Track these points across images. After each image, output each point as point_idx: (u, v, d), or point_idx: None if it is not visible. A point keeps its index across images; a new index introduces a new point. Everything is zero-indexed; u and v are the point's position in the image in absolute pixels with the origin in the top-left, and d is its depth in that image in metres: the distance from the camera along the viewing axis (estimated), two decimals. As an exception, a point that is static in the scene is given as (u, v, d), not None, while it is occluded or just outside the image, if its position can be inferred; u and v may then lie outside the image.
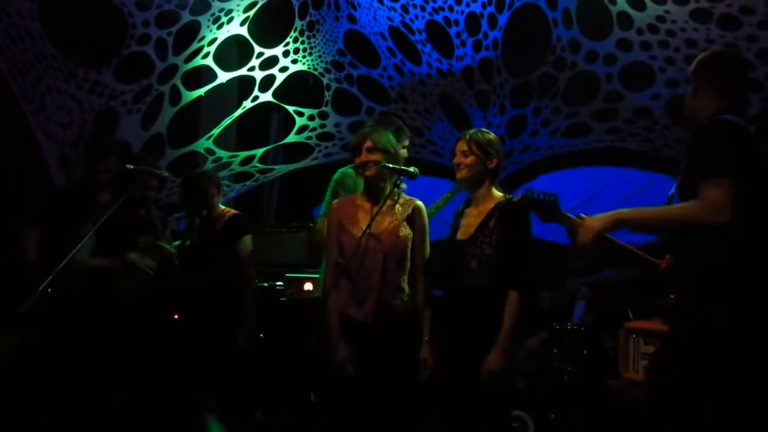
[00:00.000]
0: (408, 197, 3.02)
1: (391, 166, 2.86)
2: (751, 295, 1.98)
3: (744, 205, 1.96)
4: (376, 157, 2.87)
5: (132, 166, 3.17)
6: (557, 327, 4.49)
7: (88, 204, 3.46)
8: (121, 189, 3.35)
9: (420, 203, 3.02)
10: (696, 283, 2.06)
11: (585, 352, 4.42)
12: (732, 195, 1.95)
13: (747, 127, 2.06)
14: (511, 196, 2.85)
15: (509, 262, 2.69)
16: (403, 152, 3.36)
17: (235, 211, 3.53)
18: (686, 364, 2.04)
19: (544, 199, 2.45)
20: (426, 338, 2.88)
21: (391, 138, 2.99)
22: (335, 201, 3.05)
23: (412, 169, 2.89)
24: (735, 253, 2.00)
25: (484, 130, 2.93)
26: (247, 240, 3.43)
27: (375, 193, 2.93)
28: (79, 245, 2.75)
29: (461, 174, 2.84)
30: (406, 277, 2.92)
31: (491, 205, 2.80)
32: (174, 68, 4.64)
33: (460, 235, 2.84)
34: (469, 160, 2.81)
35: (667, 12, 3.98)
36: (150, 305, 3.37)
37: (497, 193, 2.84)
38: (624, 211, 2.14)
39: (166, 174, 3.34)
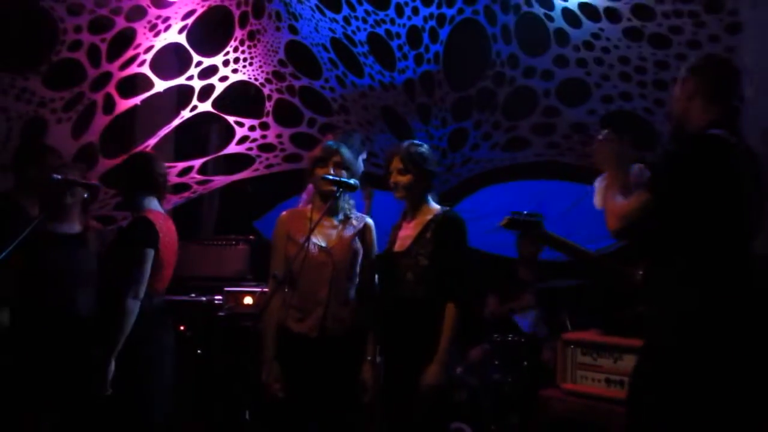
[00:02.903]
0: (360, 214, 3.02)
1: (330, 177, 2.83)
2: (721, 311, 2.02)
3: (712, 220, 2.04)
4: (340, 172, 2.85)
5: (59, 176, 3.04)
6: (498, 338, 4.54)
7: (16, 215, 3.29)
8: (49, 199, 3.23)
9: (370, 221, 3.02)
10: (667, 297, 2.11)
11: (525, 363, 4.48)
12: (642, 213, 2.07)
13: (729, 142, 2.09)
14: (448, 208, 2.87)
15: (446, 274, 2.71)
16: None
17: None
18: (658, 382, 2.07)
19: (529, 220, 2.65)
20: (369, 358, 2.85)
21: (352, 155, 3.00)
22: (284, 213, 2.99)
23: (352, 181, 2.87)
24: (703, 267, 2.06)
25: (415, 142, 2.94)
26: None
27: (317, 206, 2.91)
28: (3, 254, 2.59)
29: (399, 194, 2.86)
30: (353, 292, 2.89)
31: (428, 217, 2.81)
32: (108, 76, 4.49)
33: (397, 247, 2.84)
34: (407, 179, 2.82)
35: (601, 29, 4.09)
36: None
37: (434, 206, 2.85)
38: None
39: (96, 184, 3.20)
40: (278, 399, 2.75)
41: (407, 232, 2.85)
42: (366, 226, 2.98)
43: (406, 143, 2.92)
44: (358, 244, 2.92)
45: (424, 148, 2.91)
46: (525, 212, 2.65)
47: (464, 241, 2.80)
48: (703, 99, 2.23)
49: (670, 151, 2.19)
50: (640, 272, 2.40)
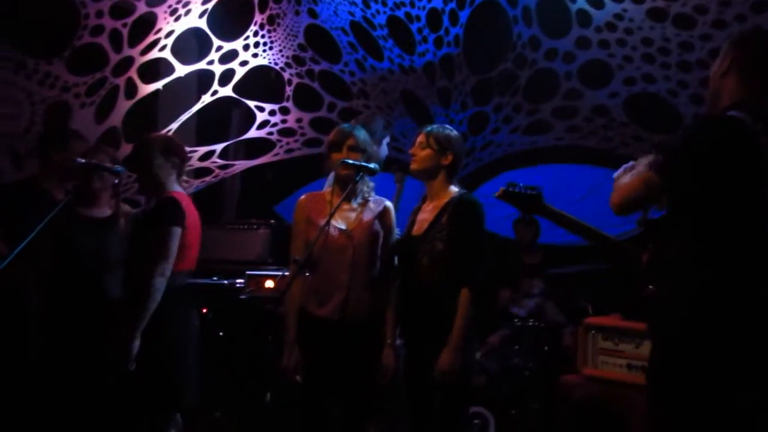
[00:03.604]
0: (379, 197, 3.01)
1: (351, 162, 2.83)
2: (726, 295, 1.94)
3: (723, 206, 1.96)
4: (356, 156, 2.84)
5: (83, 161, 3.07)
6: (518, 324, 4.53)
7: (42, 200, 3.34)
8: (76, 184, 3.27)
9: (390, 204, 3.01)
10: (673, 278, 2.04)
11: (546, 348, 4.47)
12: (644, 190, 2.03)
13: (746, 124, 1.97)
14: (465, 191, 2.84)
15: (460, 258, 2.68)
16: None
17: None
18: (672, 365, 2.00)
19: (526, 193, 2.49)
20: (389, 341, 2.86)
21: (368, 137, 2.96)
22: (303, 196, 2.97)
23: (372, 165, 2.86)
24: (712, 250, 1.98)
25: (447, 126, 2.94)
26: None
27: (342, 189, 2.90)
28: (29, 238, 2.63)
29: (413, 165, 2.86)
30: (373, 276, 2.89)
31: (445, 200, 2.79)
32: (130, 61, 4.52)
33: (415, 230, 2.84)
34: (424, 153, 2.82)
35: (624, 10, 4.03)
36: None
37: (452, 189, 2.83)
38: None
39: (120, 168, 3.22)
40: (297, 382, 2.77)
41: (425, 216, 2.85)
42: (385, 208, 2.97)
43: (437, 125, 2.93)
44: (378, 227, 2.91)
45: (452, 132, 2.89)
46: (522, 184, 2.57)
47: (480, 225, 2.75)
48: (737, 77, 2.09)
49: (681, 132, 2.13)
50: (644, 253, 2.33)
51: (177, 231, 2.91)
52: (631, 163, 2.26)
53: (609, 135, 4.72)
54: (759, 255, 1.97)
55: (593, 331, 3.30)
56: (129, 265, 3.08)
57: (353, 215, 2.89)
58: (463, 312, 2.64)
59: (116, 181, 3.25)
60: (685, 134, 2.11)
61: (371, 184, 2.99)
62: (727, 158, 1.97)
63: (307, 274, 2.85)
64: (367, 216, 2.90)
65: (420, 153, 2.83)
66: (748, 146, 1.97)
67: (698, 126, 2.13)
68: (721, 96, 2.13)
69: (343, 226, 2.84)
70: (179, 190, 3.07)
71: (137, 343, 2.83)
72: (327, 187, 3.11)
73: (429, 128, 2.87)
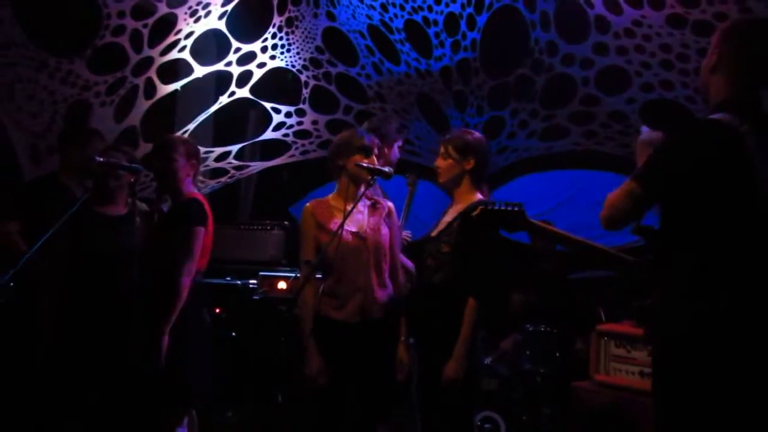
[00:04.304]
0: (381, 198, 3.03)
1: (365, 165, 2.85)
2: (727, 299, 1.90)
3: (709, 214, 1.91)
4: (370, 159, 2.88)
5: (101, 159, 3.11)
6: (530, 329, 4.52)
7: (62, 196, 3.38)
8: (94, 182, 3.32)
9: (391, 204, 3.04)
10: (669, 287, 2.01)
11: (557, 354, 4.45)
12: (627, 202, 1.95)
13: (732, 127, 1.88)
14: (483, 198, 2.82)
15: (467, 266, 2.67)
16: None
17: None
18: (662, 373, 2.00)
19: (507, 210, 2.32)
20: (402, 338, 2.87)
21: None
22: (310, 203, 2.98)
23: (386, 169, 2.88)
24: (709, 258, 1.93)
25: (466, 130, 2.95)
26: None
27: (350, 193, 2.91)
28: (48, 234, 2.67)
29: (439, 178, 2.87)
30: (387, 276, 2.92)
31: (464, 205, 2.79)
32: (149, 61, 4.57)
33: (434, 232, 2.84)
34: (446, 163, 2.82)
35: (643, 17, 4.01)
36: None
37: (476, 195, 2.81)
38: None
39: (137, 167, 3.26)
40: (322, 388, 2.77)
41: (446, 219, 2.85)
42: (389, 209, 3.00)
43: (458, 130, 2.93)
44: (386, 228, 2.94)
45: (471, 135, 2.88)
46: (501, 201, 2.44)
47: (490, 235, 2.66)
48: (725, 73, 1.98)
49: (663, 138, 2.04)
50: (636, 262, 2.25)
51: (201, 231, 2.98)
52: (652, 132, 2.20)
53: (626, 141, 4.70)
54: (751, 265, 1.90)
55: (606, 338, 3.28)
56: (149, 264, 3.12)
57: (361, 217, 2.91)
58: (467, 321, 2.63)
59: (133, 179, 3.30)
60: (665, 141, 2.02)
61: (376, 186, 3.03)
62: (711, 163, 1.89)
63: (319, 277, 2.87)
64: (376, 217, 2.92)
65: (442, 164, 2.84)
66: (732, 150, 1.87)
67: (678, 132, 2.00)
68: (709, 93, 2.03)
69: (354, 229, 2.85)
70: (195, 191, 3.12)
71: (166, 340, 2.87)
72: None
73: (447, 137, 2.87)
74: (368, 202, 2.96)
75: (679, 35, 3.97)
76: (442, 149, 2.85)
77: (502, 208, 2.31)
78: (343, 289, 2.83)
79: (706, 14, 3.80)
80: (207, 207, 3.08)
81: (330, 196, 3.00)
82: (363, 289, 2.82)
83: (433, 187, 3.05)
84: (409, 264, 3.13)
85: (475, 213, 2.42)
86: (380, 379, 2.82)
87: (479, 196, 2.82)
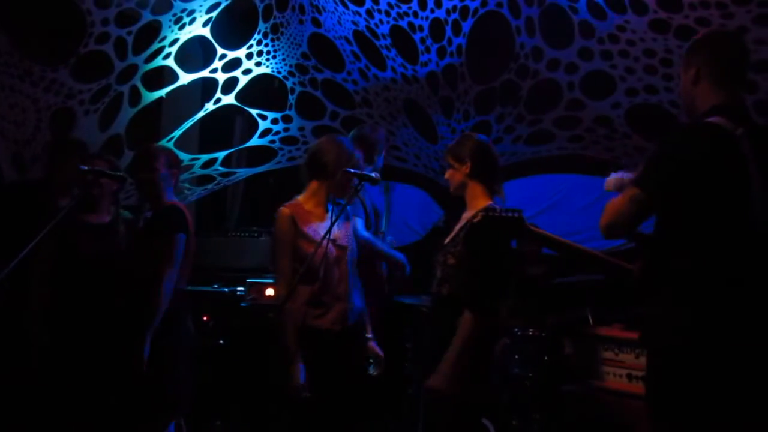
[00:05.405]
0: (344, 203, 3.03)
1: (353, 171, 2.85)
2: (715, 306, 1.92)
3: (710, 216, 1.93)
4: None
5: (86, 168, 3.09)
6: (518, 333, 4.52)
7: (47, 206, 3.36)
8: (76, 190, 3.29)
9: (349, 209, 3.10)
10: (662, 292, 2.01)
11: (546, 358, 4.45)
12: (630, 208, 1.96)
13: (728, 130, 1.93)
14: (489, 208, 2.66)
15: (466, 279, 2.60)
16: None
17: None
18: (659, 379, 2.00)
19: (508, 216, 2.35)
20: (369, 336, 2.91)
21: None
22: (287, 207, 2.94)
23: (374, 175, 2.89)
24: (699, 264, 1.95)
25: (466, 134, 2.96)
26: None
27: (327, 199, 2.92)
28: (30, 245, 2.64)
29: (450, 189, 2.83)
30: (360, 281, 2.95)
31: (473, 212, 2.71)
32: (134, 68, 4.55)
33: (447, 239, 2.80)
34: (449, 173, 2.80)
35: (627, 22, 4.04)
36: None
37: (484, 200, 2.72)
38: None
39: (122, 174, 3.25)
40: (307, 399, 2.75)
41: (458, 225, 2.77)
42: (352, 215, 3.08)
43: (458, 137, 2.92)
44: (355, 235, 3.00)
45: (468, 138, 2.83)
46: (501, 207, 2.42)
47: (491, 248, 2.55)
48: (708, 82, 2.04)
49: (661, 142, 2.04)
50: (631, 267, 2.26)
51: (182, 238, 2.97)
52: (620, 172, 2.22)
53: (611, 145, 4.73)
54: (747, 268, 1.92)
55: (594, 341, 3.30)
56: (131, 271, 3.11)
57: (344, 226, 2.92)
58: (460, 335, 2.51)
59: (116, 188, 3.30)
60: (665, 143, 2.04)
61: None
62: (711, 166, 1.92)
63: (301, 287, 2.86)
64: (350, 224, 2.95)
65: (447, 175, 2.81)
66: (731, 153, 1.92)
67: (678, 134, 2.05)
68: (696, 104, 2.08)
69: (331, 237, 2.84)
70: (175, 199, 3.15)
71: (147, 347, 2.86)
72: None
73: (447, 148, 2.86)
74: (334, 208, 2.97)
75: (662, 40, 4.00)
76: (445, 162, 2.84)
77: (503, 215, 2.33)
78: (326, 297, 2.82)
79: (688, 19, 3.83)
80: (187, 214, 3.09)
81: (301, 199, 2.96)
82: (344, 297, 2.83)
83: (421, 192, 3.06)
84: (401, 256, 3.35)
85: (476, 220, 2.43)
86: (358, 383, 2.84)
87: (489, 201, 2.71)
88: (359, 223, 3.37)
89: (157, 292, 2.92)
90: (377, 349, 2.94)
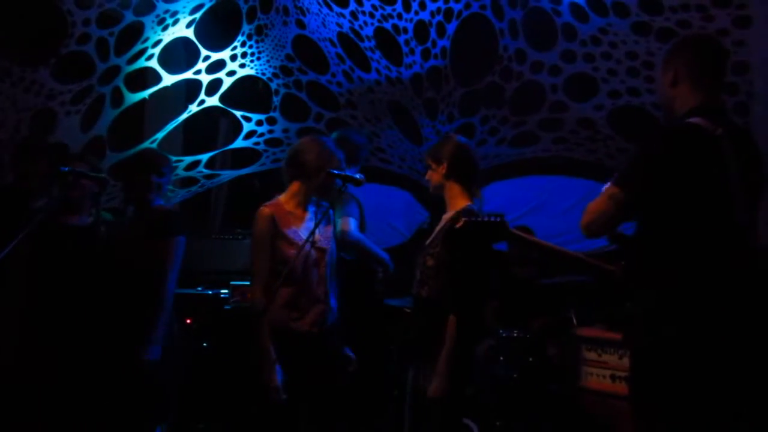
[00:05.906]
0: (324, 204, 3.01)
1: (337, 173, 2.84)
2: (697, 306, 1.93)
3: (690, 217, 1.94)
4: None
5: (66, 168, 3.06)
6: (503, 334, 4.53)
7: (23, 207, 3.32)
8: (56, 192, 3.26)
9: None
10: (645, 293, 2.03)
11: (530, 359, 4.46)
12: (610, 207, 1.98)
13: (708, 130, 1.96)
14: (466, 209, 2.69)
15: (448, 282, 2.60)
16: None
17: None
18: (642, 379, 2.02)
19: (490, 221, 2.35)
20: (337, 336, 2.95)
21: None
22: (267, 207, 2.88)
23: (358, 176, 2.88)
24: (681, 264, 1.96)
25: (445, 136, 2.97)
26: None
27: (308, 200, 2.91)
28: (6, 249, 2.61)
29: (430, 190, 2.84)
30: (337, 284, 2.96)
31: (452, 213, 2.71)
32: (116, 69, 4.52)
33: (428, 239, 2.79)
34: (429, 174, 2.82)
35: (609, 24, 4.07)
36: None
37: (463, 201, 2.72)
38: None
39: (104, 176, 3.23)
40: (283, 401, 2.72)
41: (438, 226, 2.78)
42: (345, 215, 3.09)
43: (437, 138, 2.93)
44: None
45: (446, 140, 2.85)
46: (483, 212, 2.44)
47: (471, 251, 2.59)
48: (687, 83, 2.07)
49: (642, 143, 2.06)
50: (614, 268, 2.26)
51: (184, 241, 3.11)
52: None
53: (594, 147, 4.76)
54: (728, 268, 1.94)
55: (578, 342, 3.32)
56: (130, 274, 3.10)
57: (324, 228, 2.92)
58: (449, 340, 2.54)
59: (97, 189, 3.27)
60: (646, 144, 2.06)
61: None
62: (691, 166, 1.94)
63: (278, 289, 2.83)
64: (329, 227, 2.94)
65: (427, 176, 2.82)
66: (711, 153, 1.94)
67: (658, 135, 2.07)
68: (674, 106, 2.11)
69: (316, 240, 2.84)
70: (162, 203, 3.17)
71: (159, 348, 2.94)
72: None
73: (427, 149, 2.88)
74: (323, 210, 2.95)
75: (644, 43, 4.04)
76: (426, 161, 2.86)
77: (485, 219, 2.34)
78: (303, 300, 2.80)
79: (669, 21, 3.87)
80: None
81: (282, 199, 2.93)
82: (322, 300, 2.83)
83: (405, 194, 3.06)
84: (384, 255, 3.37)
85: (458, 225, 2.41)
86: (334, 383, 2.84)
87: (467, 202, 2.71)
88: (353, 223, 3.35)
89: (162, 294, 3.01)
90: (349, 352, 2.95)
